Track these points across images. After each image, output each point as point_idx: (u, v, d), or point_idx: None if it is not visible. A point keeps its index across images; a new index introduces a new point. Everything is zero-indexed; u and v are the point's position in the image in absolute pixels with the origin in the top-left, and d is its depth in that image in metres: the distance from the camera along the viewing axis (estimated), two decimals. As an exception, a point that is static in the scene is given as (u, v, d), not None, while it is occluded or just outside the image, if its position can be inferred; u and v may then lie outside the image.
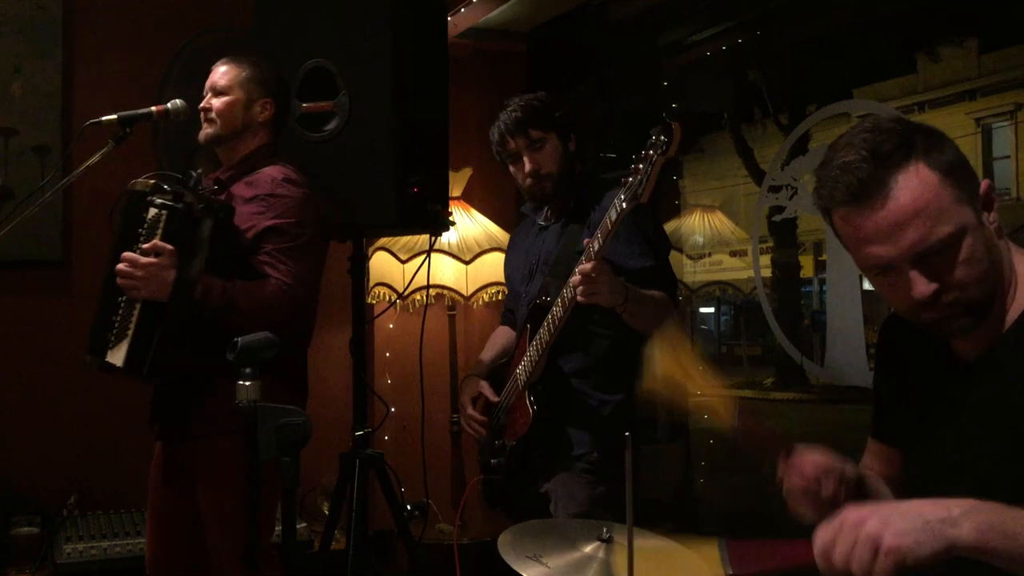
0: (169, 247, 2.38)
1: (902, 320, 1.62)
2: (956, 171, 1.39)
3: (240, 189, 2.62)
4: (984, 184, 1.42)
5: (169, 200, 2.43)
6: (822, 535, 1.25)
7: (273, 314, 2.41)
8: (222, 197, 2.60)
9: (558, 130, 2.60)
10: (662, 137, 2.13)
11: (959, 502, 1.22)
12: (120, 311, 2.46)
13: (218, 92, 2.67)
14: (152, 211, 2.44)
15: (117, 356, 2.45)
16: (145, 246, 2.40)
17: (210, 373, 2.37)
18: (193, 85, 2.81)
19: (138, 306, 2.42)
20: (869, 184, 1.36)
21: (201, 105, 2.69)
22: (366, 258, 3.10)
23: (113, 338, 2.47)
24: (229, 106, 2.66)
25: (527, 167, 2.58)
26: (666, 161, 2.17)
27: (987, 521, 1.19)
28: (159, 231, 2.42)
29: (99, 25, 3.81)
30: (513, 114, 2.58)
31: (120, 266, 2.39)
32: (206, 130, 2.68)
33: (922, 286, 1.37)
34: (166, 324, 2.40)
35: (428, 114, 2.85)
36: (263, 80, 2.70)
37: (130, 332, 2.42)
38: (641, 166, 2.16)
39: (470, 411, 2.70)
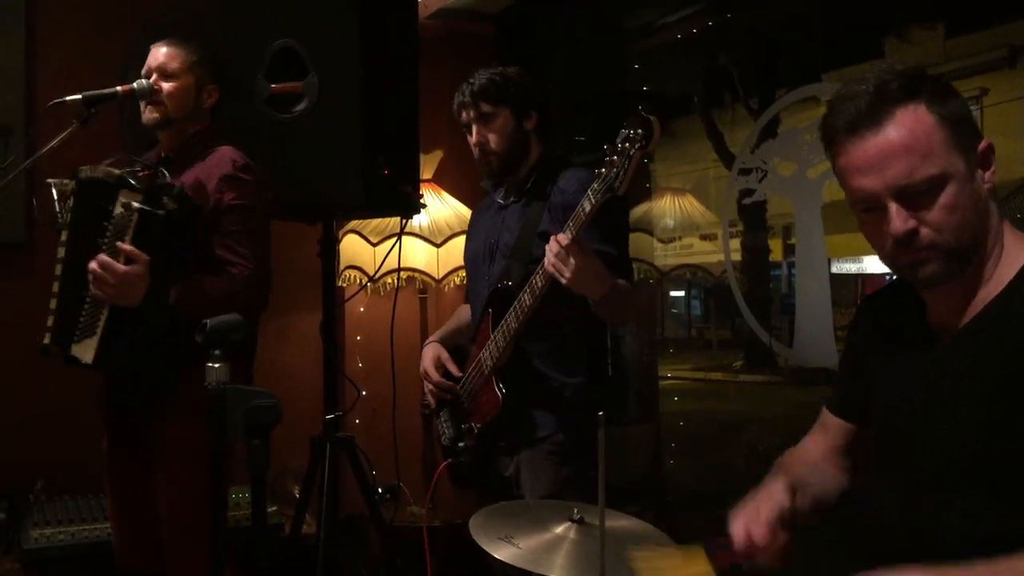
0: (145, 256, 2.36)
1: (881, 298, 1.65)
2: (956, 122, 1.41)
3: (191, 170, 2.61)
4: (984, 142, 1.44)
5: (142, 202, 2.39)
6: None
7: (243, 302, 2.41)
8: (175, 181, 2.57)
9: (513, 106, 2.58)
10: (639, 131, 2.05)
11: None
12: (85, 307, 2.44)
13: (169, 75, 2.64)
14: (121, 208, 2.41)
15: (84, 353, 2.44)
16: (123, 246, 2.36)
17: (176, 360, 2.36)
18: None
19: (106, 308, 2.41)
20: (867, 115, 1.41)
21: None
22: (336, 241, 3.08)
23: (78, 333, 2.45)
24: (181, 90, 2.65)
25: (473, 139, 2.60)
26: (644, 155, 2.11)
27: None
28: (129, 234, 2.39)
29: (62, 2, 3.74)
30: (469, 86, 2.59)
31: (94, 267, 2.36)
32: (152, 113, 2.64)
33: (899, 222, 1.40)
34: (136, 328, 2.40)
35: (398, 95, 2.83)
36: (211, 66, 2.71)
37: (99, 331, 2.42)
38: (616, 158, 2.08)
39: (437, 377, 2.68)
